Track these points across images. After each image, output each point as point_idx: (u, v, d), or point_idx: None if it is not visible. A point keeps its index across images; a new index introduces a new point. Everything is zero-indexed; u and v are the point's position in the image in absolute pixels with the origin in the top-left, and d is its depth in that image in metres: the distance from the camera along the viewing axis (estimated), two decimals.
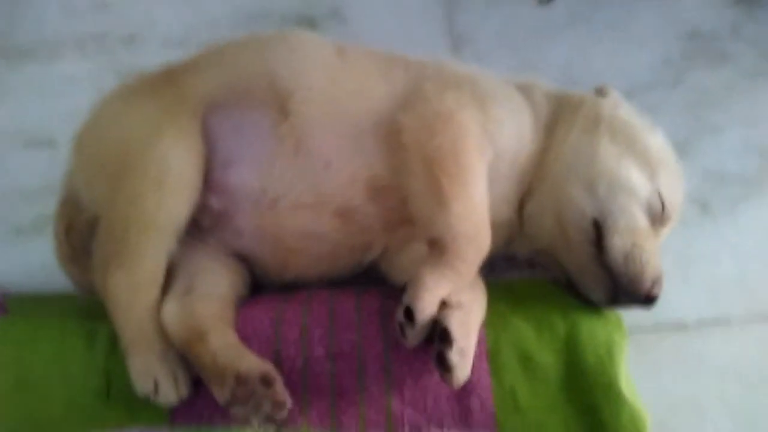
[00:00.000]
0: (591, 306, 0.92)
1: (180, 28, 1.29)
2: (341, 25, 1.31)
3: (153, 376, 0.84)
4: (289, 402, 0.80)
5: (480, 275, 0.89)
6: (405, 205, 0.91)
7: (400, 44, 1.04)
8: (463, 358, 0.80)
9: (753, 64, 1.28)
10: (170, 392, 0.84)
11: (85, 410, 0.88)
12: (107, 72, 1.24)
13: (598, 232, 0.90)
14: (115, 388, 0.88)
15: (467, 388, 0.85)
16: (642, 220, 0.91)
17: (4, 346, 0.91)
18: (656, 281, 0.89)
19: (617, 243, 0.89)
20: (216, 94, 0.95)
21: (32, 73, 1.24)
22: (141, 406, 0.86)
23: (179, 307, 0.88)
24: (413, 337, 0.80)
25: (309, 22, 1.30)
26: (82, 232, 1.00)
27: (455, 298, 0.82)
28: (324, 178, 0.92)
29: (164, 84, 0.97)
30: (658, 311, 0.91)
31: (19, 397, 0.88)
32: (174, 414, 0.87)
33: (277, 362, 0.86)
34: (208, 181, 0.93)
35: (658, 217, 0.92)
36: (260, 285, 0.99)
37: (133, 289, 0.88)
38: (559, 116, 0.99)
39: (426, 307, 0.79)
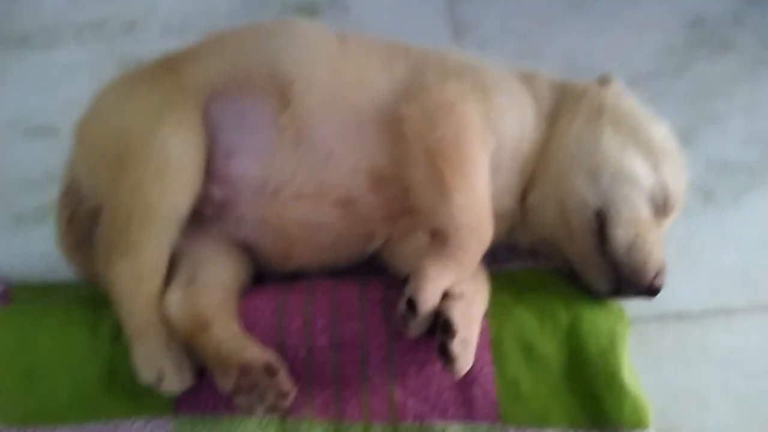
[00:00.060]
0: (593, 296, 0.92)
1: (180, 16, 1.28)
2: (342, 13, 1.30)
3: (157, 365, 0.84)
4: (292, 391, 0.81)
5: (482, 265, 0.88)
6: (407, 196, 0.91)
7: (402, 32, 1.04)
8: (465, 348, 0.80)
9: (756, 53, 1.27)
10: (174, 381, 0.84)
11: (89, 399, 0.88)
12: (107, 60, 1.24)
13: (600, 223, 0.90)
14: (120, 377, 0.88)
15: (470, 378, 0.85)
16: (645, 211, 0.91)
17: (7, 335, 0.91)
18: (659, 272, 0.89)
19: (620, 234, 0.89)
20: (217, 83, 0.94)
21: (32, 61, 1.24)
22: (145, 395, 0.86)
23: (182, 297, 0.89)
24: (415, 328, 0.80)
25: (310, 10, 1.30)
26: (84, 221, 1.01)
27: (457, 288, 0.82)
28: (325, 168, 0.92)
29: (165, 73, 0.96)
30: (661, 301, 0.91)
31: (23, 385, 0.89)
32: (178, 403, 0.88)
33: (281, 352, 0.86)
34: (210, 171, 0.92)
35: (661, 207, 0.92)
36: (263, 274, 0.99)
37: (137, 279, 0.88)
38: (562, 106, 0.99)
39: (428, 299, 0.79)
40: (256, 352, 0.82)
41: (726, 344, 1.04)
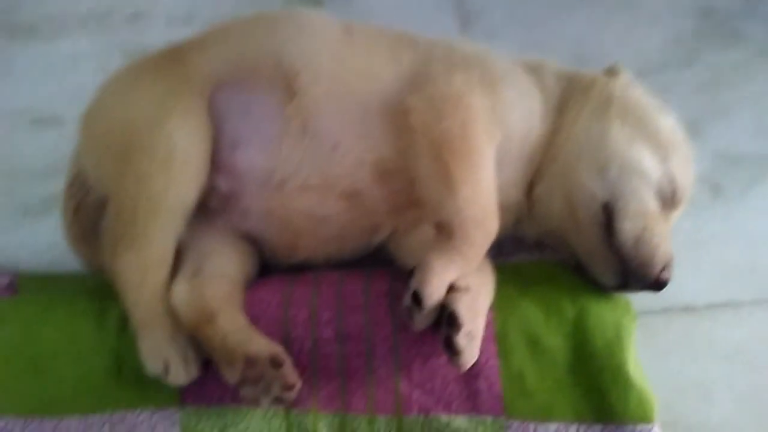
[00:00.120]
0: (600, 289, 0.92)
1: (184, 6, 1.28)
2: (347, 3, 1.29)
3: (163, 356, 0.85)
4: (298, 383, 0.81)
5: (488, 257, 0.88)
6: (412, 188, 0.90)
7: (408, 21, 1.03)
8: (470, 341, 0.80)
9: (766, 43, 1.26)
10: (180, 373, 0.85)
11: (95, 390, 0.89)
12: (112, 50, 1.24)
13: (608, 216, 0.90)
14: (126, 368, 0.89)
15: (475, 371, 0.85)
16: (653, 204, 0.90)
17: (14, 326, 0.92)
18: (666, 265, 0.88)
19: (627, 227, 0.88)
20: (222, 73, 0.94)
21: (37, 51, 1.24)
22: (151, 387, 0.87)
23: (188, 289, 0.89)
24: (421, 321, 0.80)
25: (315, 0, 1.29)
26: (90, 213, 1.01)
27: (463, 281, 0.82)
28: (331, 160, 0.92)
29: (170, 63, 0.96)
30: (667, 294, 0.90)
31: (29, 376, 0.89)
32: (184, 394, 0.88)
33: (286, 344, 0.86)
34: (216, 162, 0.92)
35: (668, 200, 0.91)
36: (268, 266, 0.99)
37: (143, 271, 0.88)
38: (570, 97, 0.98)
39: (434, 292, 0.79)
40: (261, 344, 0.82)
41: (732, 338, 1.04)
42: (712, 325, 1.05)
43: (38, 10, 1.26)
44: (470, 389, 0.86)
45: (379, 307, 0.89)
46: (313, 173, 0.92)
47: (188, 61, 0.95)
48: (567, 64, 1.03)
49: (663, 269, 0.88)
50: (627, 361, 0.86)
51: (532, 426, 0.85)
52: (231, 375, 0.81)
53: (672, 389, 0.97)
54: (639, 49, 1.26)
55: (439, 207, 0.85)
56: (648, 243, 0.88)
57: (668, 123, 0.95)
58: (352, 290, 0.91)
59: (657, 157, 0.92)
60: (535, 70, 0.99)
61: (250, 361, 0.79)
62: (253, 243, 0.97)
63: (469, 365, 0.80)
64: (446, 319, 0.79)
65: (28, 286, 1.03)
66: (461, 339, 0.78)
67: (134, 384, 0.88)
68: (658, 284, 0.88)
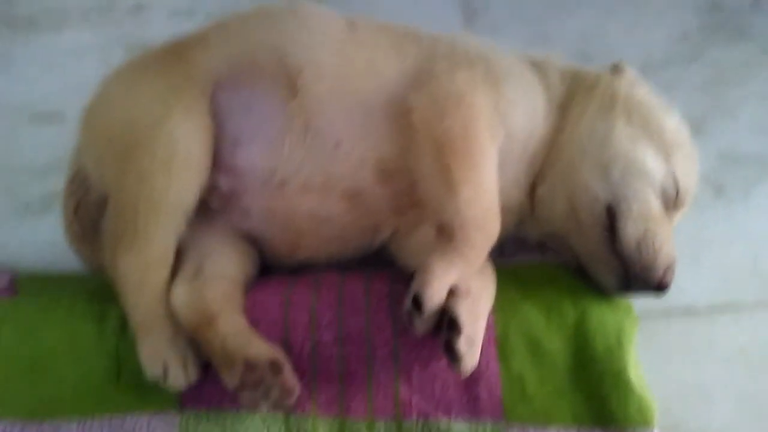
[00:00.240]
0: (601, 292, 0.92)
1: None
2: None
3: (162, 359, 0.84)
4: (297, 388, 0.81)
5: (489, 258, 0.88)
6: (414, 188, 0.90)
7: (412, 15, 1.03)
8: (471, 346, 0.79)
9: None
10: (179, 376, 0.84)
11: (94, 392, 0.88)
12: (114, 43, 1.23)
13: (611, 218, 0.89)
14: (125, 371, 0.88)
15: (475, 376, 0.85)
16: (656, 205, 0.90)
17: (14, 328, 0.91)
18: (669, 268, 0.88)
19: (630, 229, 0.88)
20: (224, 71, 0.93)
21: (37, 45, 1.23)
22: (150, 390, 0.86)
23: (189, 291, 0.88)
24: (421, 325, 0.80)
25: None
26: (91, 211, 1.00)
27: (464, 285, 0.82)
28: (333, 159, 0.91)
29: (172, 60, 0.95)
30: (668, 296, 0.90)
31: (28, 378, 0.89)
32: (183, 398, 0.88)
33: (286, 346, 0.86)
34: (217, 161, 0.92)
35: (671, 201, 0.91)
36: (269, 266, 0.99)
37: (143, 271, 0.87)
38: (574, 95, 0.97)
39: (434, 296, 0.79)
40: (261, 348, 0.82)
41: (733, 340, 1.04)
42: (713, 328, 1.05)
43: (39, 2, 1.24)
44: (470, 393, 0.86)
45: (380, 310, 0.89)
46: (315, 172, 0.92)
47: (190, 58, 0.94)
48: (571, 60, 1.03)
49: (665, 272, 0.88)
50: (628, 365, 0.86)
51: (531, 430, 0.85)
52: (230, 379, 0.81)
53: (672, 392, 0.97)
54: (643, 45, 1.25)
55: (440, 208, 0.85)
56: (651, 246, 0.87)
57: (673, 122, 0.95)
58: (352, 292, 0.91)
59: (661, 158, 0.91)
60: (539, 67, 0.99)
61: (249, 366, 0.79)
62: (254, 243, 0.97)
63: (469, 370, 0.80)
64: (447, 324, 0.79)
65: (28, 286, 1.03)
66: (462, 343, 0.78)
67: (133, 387, 0.87)
68: (660, 287, 0.88)
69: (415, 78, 0.92)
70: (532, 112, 0.94)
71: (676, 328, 1.05)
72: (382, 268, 0.97)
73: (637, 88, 0.97)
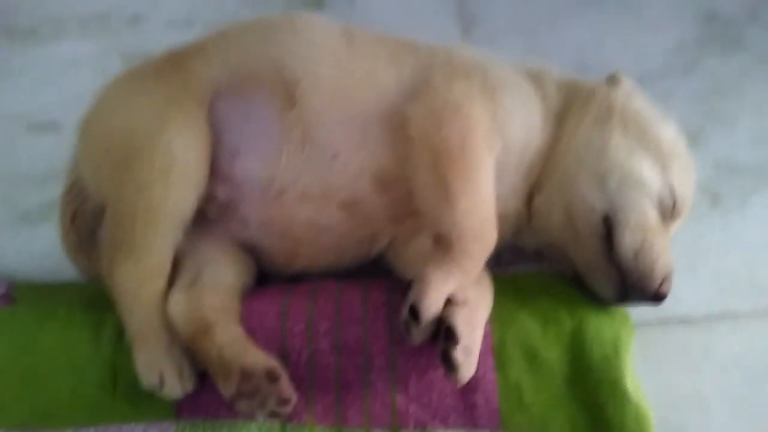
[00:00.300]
0: (598, 301, 0.92)
1: (185, 9, 1.26)
2: (349, 6, 1.28)
3: (158, 369, 0.84)
4: (294, 398, 0.81)
5: (487, 267, 0.88)
6: (412, 198, 0.90)
7: (410, 25, 1.03)
8: (468, 356, 0.80)
9: None
10: (175, 386, 0.85)
11: (91, 402, 0.88)
12: (111, 53, 1.23)
13: (607, 228, 0.89)
14: (122, 380, 0.88)
15: (472, 385, 0.85)
16: (653, 216, 0.90)
17: (11, 337, 0.91)
18: (666, 278, 0.88)
19: (628, 239, 0.88)
20: (222, 81, 0.94)
21: (35, 54, 1.23)
22: (147, 399, 0.86)
23: (185, 300, 0.88)
24: (418, 335, 0.80)
25: (316, 2, 1.28)
26: (88, 220, 1.01)
27: (461, 294, 0.82)
28: (331, 170, 0.91)
29: (170, 70, 0.95)
30: (665, 305, 0.90)
31: (25, 387, 0.89)
32: (179, 407, 0.88)
33: (283, 355, 0.86)
34: (215, 171, 0.92)
35: (668, 211, 0.91)
36: (266, 275, 0.99)
37: (140, 281, 0.88)
38: (570, 106, 0.98)
39: (431, 305, 0.79)
40: (257, 357, 0.82)
41: (730, 349, 1.04)
42: (710, 337, 1.05)
43: (38, 13, 1.24)
44: (467, 403, 0.86)
45: (377, 319, 0.89)
46: (312, 182, 0.92)
47: (188, 68, 0.95)
48: (568, 71, 1.03)
49: (663, 282, 0.88)
50: (624, 374, 0.86)
51: None
52: (227, 388, 0.80)
53: (669, 401, 0.96)
54: (640, 56, 1.25)
55: (438, 219, 0.85)
56: (648, 256, 0.88)
57: (669, 133, 0.95)
58: (349, 301, 0.91)
59: (657, 168, 0.91)
60: (535, 78, 0.99)
61: (246, 375, 0.79)
62: (251, 252, 0.97)
63: (466, 379, 0.80)
64: (444, 333, 0.79)
65: (25, 295, 1.02)
66: (459, 353, 0.78)
67: (130, 396, 0.87)
68: (657, 297, 0.88)
69: (413, 89, 0.92)
70: (529, 123, 0.95)
71: (673, 337, 1.05)
72: (379, 277, 0.96)
73: (634, 98, 0.98)
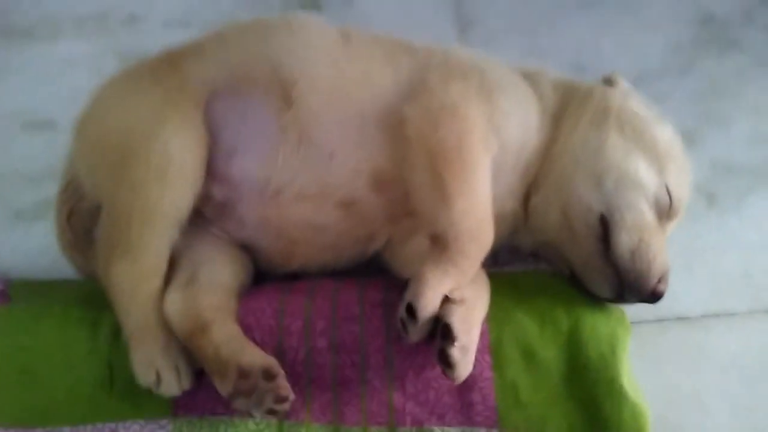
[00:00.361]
0: (594, 300, 0.92)
1: (181, 9, 1.27)
2: (347, 7, 1.29)
3: (155, 367, 0.84)
4: (291, 396, 0.80)
5: (483, 266, 0.88)
6: (408, 198, 0.90)
7: (406, 26, 1.03)
8: (465, 354, 0.80)
9: (765, 52, 1.26)
10: (172, 384, 0.84)
11: (87, 400, 0.88)
12: (108, 53, 1.23)
13: (604, 228, 0.89)
14: (118, 379, 0.88)
15: (469, 383, 0.85)
16: (649, 216, 0.90)
17: (7, 335, 0.91)
18: (662, 277, 0.88)
19: (624, 239, 0.88)
20: (219, 81, 0.93)
21: (32, 53, 1.23)
22: (143, 397, 0.86)
23: (182, 299, 0.88)
24: (415, 333, 0.80)
25: (314, 3, 1.28)
26: (84, 219, 1.01)
27: (458, 293, 0.82)
28: (328, 169, 0.91)
29: (166, 70, 0.95)
30: (661, 304, 0.90)
31: (21, 385, 0.89)
32: (176, 405, 0.87)
33: (280, 353, 0.86)
34: (211, 171, 0.92)
35: (665, 211, 0.91)
36: (262, 274, 0.99)
37: (136, 280, 0.87)
38: (567, 107, 0.98)
39: (428, 304, 0.79)
40: (254, 356, 0.81)
41: (726, 348, 1.04)
42: (706, 335, 1.06)
43: (34, 12, 1.25)
44: (464, 401, 0.86)
45: (374, 317, 0.89)
46: (309, 182, 0.92)
47: (185, 68, 0.95)
48: (565, 71, 1.04)
49: (659, 281, 0.88)
50: (621, 373, 0.86)
51: None
52: (224, 386, 0.80)
53: (666, 400, 0.97)
54: (637, 57, 1.26)
55: (434, 219, 0.85)
56: (644, 255, 0.88)
57: (666, 134, 0.95)
58: (346, 300, 0.91)
59: (654, 169, 0.91)
60: (532, 79, 0.99)
61: (242, 373, 0.79)
62: (248, 251, 0.97)
63: (463, 378, 0.80)
64: (440, 332, 0.79)
65: (21, 293, 1.02)
66: (455, 351, 0.78)
67: (126, 394, 0.87)
68: (654, 296, 0.88)
69: (410, 89, 0.92)
70: (525, 124, 0.95)
71: (669, 336, 1.05)
72: (376, 275, 0.97)
73: (630, 99, 0.98)
